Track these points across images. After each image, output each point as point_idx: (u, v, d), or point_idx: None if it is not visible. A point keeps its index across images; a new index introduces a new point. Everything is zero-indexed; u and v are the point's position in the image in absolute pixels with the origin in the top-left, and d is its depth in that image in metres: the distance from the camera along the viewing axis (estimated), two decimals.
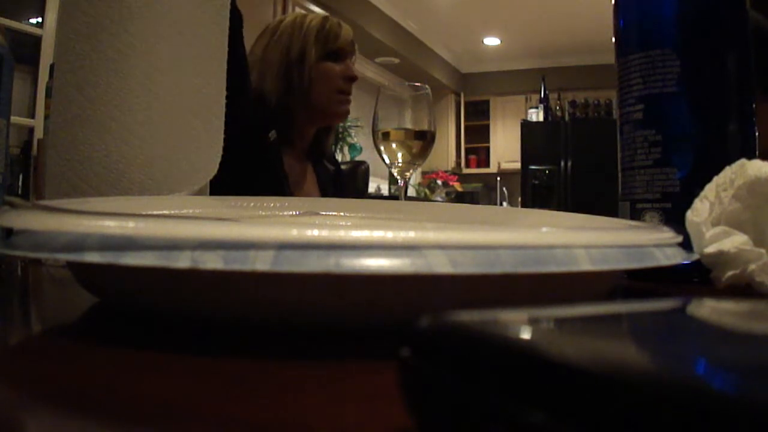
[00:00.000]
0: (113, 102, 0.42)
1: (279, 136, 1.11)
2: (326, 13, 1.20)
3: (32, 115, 2.37)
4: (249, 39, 1.13)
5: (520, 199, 4.92)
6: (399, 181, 0.76)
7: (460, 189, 5.76)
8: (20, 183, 2.25)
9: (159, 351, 0.19)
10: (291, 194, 1.11)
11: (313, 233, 0.18)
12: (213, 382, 0.17)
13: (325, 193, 1.21)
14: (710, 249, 0.31)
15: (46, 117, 0.59)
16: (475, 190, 5.93)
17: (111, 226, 0.18)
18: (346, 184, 1.39)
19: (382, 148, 0.76)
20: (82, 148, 0.42)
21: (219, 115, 0.47)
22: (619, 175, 0.44)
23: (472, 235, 0.19)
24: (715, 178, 0.34)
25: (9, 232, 0.23)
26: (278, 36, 1.13)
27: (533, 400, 0.09)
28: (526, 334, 0.11)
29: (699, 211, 0.33)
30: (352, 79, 1.15)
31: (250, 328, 0.21)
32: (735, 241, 0.31)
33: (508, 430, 0.09)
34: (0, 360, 0.20)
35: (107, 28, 0.42)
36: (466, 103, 6.43)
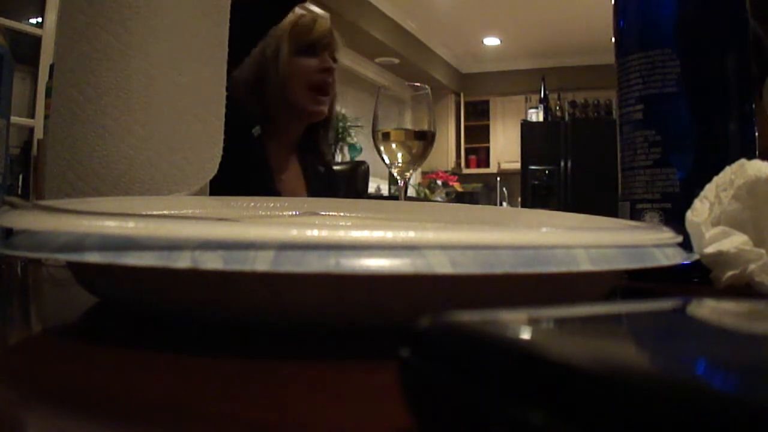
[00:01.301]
0: (113, 102, 0.42)
1: (263, 131, 1.11)
2: (303, 11, 1.19)
3: (32, 115, 2.37)
4: None
5: (520, 199, 4.92)
6: (399, 181, 0.76)
7: (460, 189, 5.76)
8: (20, 183, 2.25)
9: (159, 351, 0.19)
10: (276, 186, 1.12)
11: (313, 233, 0.18)
12: (213, 382, 0.17)
13: (309, 185, 1.21)
14: (710, 249, 0.31)
15: (46, 117, 0.59)
16: (475, 190, 5.93)
17: (111, 226, 0.18)
18: (340, 184, 1.39)
19: (382, 148, 0.76)
20: (82, 148, 0.42)
21: (219, 115, 0.47)
22: (619, 175, 0.44)
23: (472, 235, 0.19)
24: (715, 178, 0.34)
25: (9, 232, 0.23)
26: None
27: (533, 400, 0.09)
28: (526, 334, 0.11)
29: (699, 211, 0.33)
30: (327, 70, 1.13)
31: (250, 328, 0.21)
32: (735, 242, 0.31)
33: (508, 430, 0.09)
34: (0, 360, 0.20)
35: (107, 28, 0.42)
36: (466, 103, 6.44)
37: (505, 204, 5.51)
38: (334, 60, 1.17)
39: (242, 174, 0.98)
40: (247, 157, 1.06)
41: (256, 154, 1.10)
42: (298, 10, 1.15)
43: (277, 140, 1.16)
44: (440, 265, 0.18)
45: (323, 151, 1.27)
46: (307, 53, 1.12)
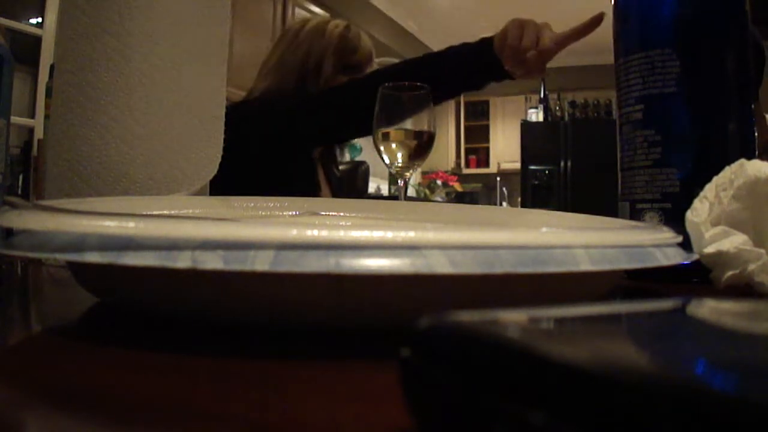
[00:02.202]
0: (113, 102, 0.42)
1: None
2: (347, 24, 1.18)
3: (32, 115, 2.37)
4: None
5: (520, 199, 4.91)
6: (399, 181, 0.76)
7: (459, 189, 5.76)
8: (20, 183, 2.25)
9: (159, 351, 0.19)
10: (318, 195, 1.13)
11: (313, 233, 0.18)
12: (213, 382, 0.17)
13: (332, 190, 1.21)
14: (710, 249, 0.31)
15: (46, 117, 0.59)
16: (475, 190, 5.93)
17: (111, 226, 0.18)
18: (347, 185, 1.42)
19: (382, 148, 0.76)
20: (82, 148, 0.42)
21: (219, 115, 0.47)
22: (619, 175, 0.44)
23: (472, 235, 0.19)
24: (715, 178, 0.34)
25: (9, 232, 0.23)
26: (299, 41, 1.10)
27: (533, 400, 0.09)
28: (526, 335, 0.11)
29: (699, 211, 0.33)
30: None
31: (250, 328, 0.21)
32: (734, 241, 0.31)
33: (508, 430, 0.09)
34: (0, 360, 0.20)
35: (107, 28, 0.42)
36: (465, 104, 6.43)
37: (505, 204, 5.51)
38: None
39: (295, 187, 1.00)
40: (302, 176, 1.07)
41: (309, 173, 1.11)
42: (343, 21, 1.15)
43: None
44: (440, 265, 0.18)
45: (336, 156, 1.28)
46: (348, 72, 1.10)
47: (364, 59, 1.12)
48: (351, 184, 2.45)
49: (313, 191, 1.11)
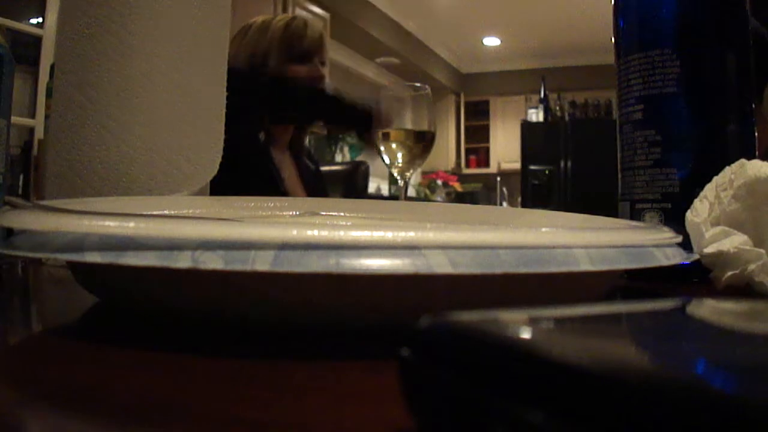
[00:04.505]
0: (113, 102, 0.42)
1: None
2: (294, 15, 1.21)
3: (33, 115, 2.37)
4: None
5: (520, 199, 4.91)
6: (399, 181, 0.76)
7: (460, 189, 5.76)
8: (21, 183, 2.25)
9: (159, 351, 0.19)
10: (282, 187, 1.15)
11: (313, 233, 0.18)
12: (214, 382, 0.17)
13: (307, 186, 1.24)
14: (710, 249, 0.31)
15: (47, 117, 0.59)
16: (475, 190, 5.92)
17: (111, 226, 0.18)
18: (327, 180, 1.46)
19: (382, 148, 0.76)
20: (83, 148, 0.42)
21: (219, 115, 0.47)
22: (619, 175, 0.44)
23: (472, 235, 0.19)
24: (715, 178, 0.34)
25: (9, 232, 0.23)
26: (246, 41, 1.14)
27: (533, 400, 0.09)
28: (526, 334, 0.11)
29: (699, 211, 0.33)
30: (318, 79, 1.16)
31: (250, 328, 0.21)
32: (734, 241, 0.31)
33: (508, 430, 0.09)
34: (0, 360, 0.20)
35: (107, 28, 0.42)
36: (466, 104, 6.43)
37: (505, 204, 5.51)
38: (323, 63, 1.19)
39: (252, 180, 1.01)
40: (255, 163, 1.09)
41: (263, 159, 1.13)
42: (288, 15, 1.17)
43: (274, 143, 1.18)
44: (440, 265, 0.18)
45: (307, 147, 1.33)
46: (297, 61, 1.14)
47: (314, 45, 1.15)
48: (351, 184, 2.45)
49: (274, 181, 1.13)
